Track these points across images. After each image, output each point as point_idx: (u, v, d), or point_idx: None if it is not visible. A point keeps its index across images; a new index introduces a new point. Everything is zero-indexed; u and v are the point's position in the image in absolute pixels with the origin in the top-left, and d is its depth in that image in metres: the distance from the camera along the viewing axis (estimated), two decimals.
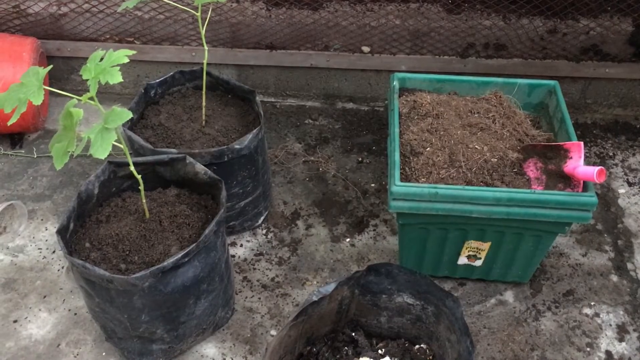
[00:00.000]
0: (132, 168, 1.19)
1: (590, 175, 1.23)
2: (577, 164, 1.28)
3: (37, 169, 1.87)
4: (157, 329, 1.26)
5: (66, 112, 1.06)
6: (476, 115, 1.49)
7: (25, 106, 1.05)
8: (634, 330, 1.46)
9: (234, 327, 1.46)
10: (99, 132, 1.01)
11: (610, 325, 1.47)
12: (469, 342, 1.03)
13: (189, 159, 1.34)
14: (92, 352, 1.41)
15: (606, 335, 1.45)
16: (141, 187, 1.23)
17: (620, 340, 1.44)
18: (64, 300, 1.52)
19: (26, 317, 1.48)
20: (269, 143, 1.92)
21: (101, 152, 1.00)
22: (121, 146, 1.12)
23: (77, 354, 1.41)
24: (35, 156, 1.91)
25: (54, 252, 1.63)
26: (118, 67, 1.05)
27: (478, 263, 1.48)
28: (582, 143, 1.30)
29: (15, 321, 1.47)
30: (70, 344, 1.43)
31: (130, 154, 1.27)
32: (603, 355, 1.41)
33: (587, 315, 1.49)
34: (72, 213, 1.24)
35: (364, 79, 2.09)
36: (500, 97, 1.53)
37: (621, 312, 1.49)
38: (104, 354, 1.41)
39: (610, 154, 1.92)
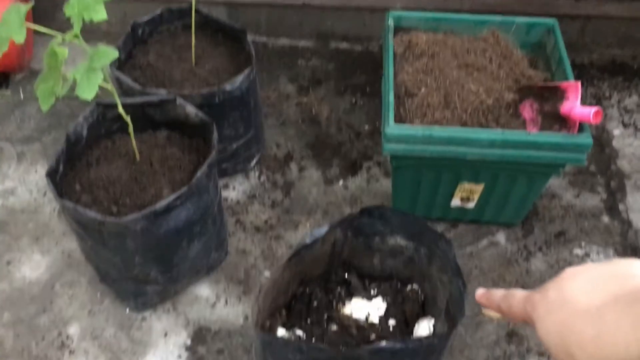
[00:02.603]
0: (120, 110, 1.16)
1: (587, 116, 1.21)
2: (574, 105, 1.26)
3: (24, 110, 1.83)
4: (150, 271, 1.27)
5: (50, 51, 1.02)
6: (472, 55, 1.46)
7: (6, 45, 1.02)
8: None
9: (228, 268, 1.47)
10: (84, 72, 0.98)
11: None
12: (461, 283, 1.04)
13: (180, 101, 1.32)
14: (86, 294, 1.42)
15: None
16: (130, 130, 1.21)
17: None
18: (56, 242, 1.52)
19: (19, 259, 1.48)
20: (260, 84, 1.88)
21: (87, 92, 0.97)
22: (108, 87, 1.09)
23: (72, 295, 1.42)
24: (22, 97, 1.87)
25: (45, 194, 1.61)
26: (102, 3, 1.01)
27: (471, 205, 1.48)
28: (579, 83, 1.27)
29: (8, 263, 1.47)
30: (64, 286, 1.44)
31: (119, 95, 1.23)
32: None
33: (577, 255, 1.51)
34: (61, 155, 1.22)
35: (358, 18, 2.03)
36: (497, 36, 1.49)
37: (611, 253, 1.51)
38: (98, 295, 1.42)
39: (607, 94, 1.90)
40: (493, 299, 0.58)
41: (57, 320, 1.38)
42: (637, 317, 0.40)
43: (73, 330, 1.37)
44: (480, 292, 0.62)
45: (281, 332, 1.13)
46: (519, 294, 0.54)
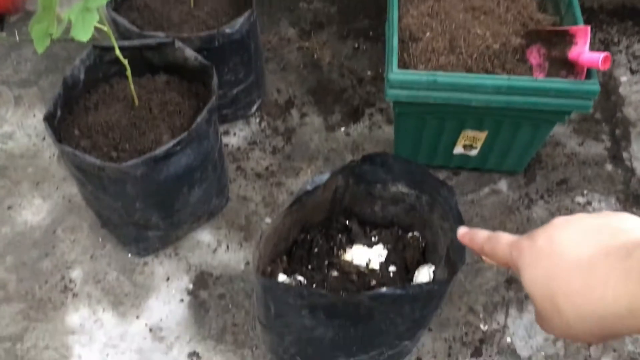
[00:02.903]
0: (117, 52, 1.13)
1: (595, 62, 1.18)
2: (582, 50, 1.23)
3: (21, 53, 1.80)
4: (151, 216, 1.27)
5: None
6: None
7: None
8: None
9: (229, 215, 1.47)
10: (79, 12, 0.95)
11: None
12: None
13: (178, 44, 1.28)
14: (88, 238, 1.43)
15: None
16: (128, 73, 1.18)
17: None
18: (57, 187, 1.51)
19: (20, 204, 1.48)
20: (261, 28, 1.84)
21: (83, 34, 0.94)
22: (105, 28, 1.06)
23: (74, 240, 1.42)
24: (18, 40, 1.83)
25: (44, 139, 1.60)
26: None
27: (474, 153, 1.47)
28: (588, 28, 1.24)
29: (9, 207, 1.47)
30: (66, 230, 1.44)
31: (116, 38, 1.20)
32: None
33: (579, 203, 1.50)
34: (58, 99, 1.20)
35: None
36: None
37: (613, 201, 1.51)
38: (100, 240, 1.42)
39: (615, 40, 1.86)
40: (476, 240, 0.55)
41: (59, 264, 1.39)
42: (629, 271, 0.39)
43: (76, 274, 1.38)
44: (462, 230, 0.57)
45: (282, 277, 1.14)
46: (504, 237, 0.51)
